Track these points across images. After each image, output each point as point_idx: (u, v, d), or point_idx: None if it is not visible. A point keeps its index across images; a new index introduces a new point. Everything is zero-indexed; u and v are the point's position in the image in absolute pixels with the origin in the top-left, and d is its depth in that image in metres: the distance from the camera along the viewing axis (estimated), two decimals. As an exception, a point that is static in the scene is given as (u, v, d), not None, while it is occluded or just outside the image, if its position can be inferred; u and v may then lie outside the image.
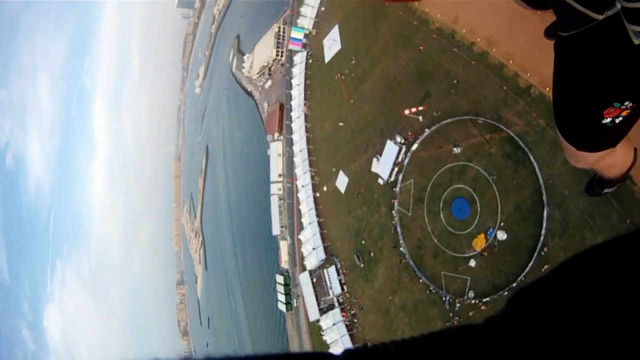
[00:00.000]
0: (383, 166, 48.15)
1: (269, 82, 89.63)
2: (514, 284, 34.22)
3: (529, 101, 33.90)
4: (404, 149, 45.76)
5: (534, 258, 32.73)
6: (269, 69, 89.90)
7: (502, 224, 35.65)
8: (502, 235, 35.53)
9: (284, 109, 76.65)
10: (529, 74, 34.23)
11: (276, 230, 76.67)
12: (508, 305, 1.46)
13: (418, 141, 44.04)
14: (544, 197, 32.43)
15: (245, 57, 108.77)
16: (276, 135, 79.19)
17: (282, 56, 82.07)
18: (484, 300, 36.10)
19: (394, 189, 46.90)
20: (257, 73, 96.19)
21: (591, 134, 2.79)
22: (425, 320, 40.87)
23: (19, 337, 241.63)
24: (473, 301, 36.74)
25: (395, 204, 46.53)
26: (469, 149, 39.14)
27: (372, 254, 49.63)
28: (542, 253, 32.40)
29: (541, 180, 32.81)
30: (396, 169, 46.92)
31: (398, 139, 46.32)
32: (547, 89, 32.76)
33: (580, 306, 1.25)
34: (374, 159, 50.00)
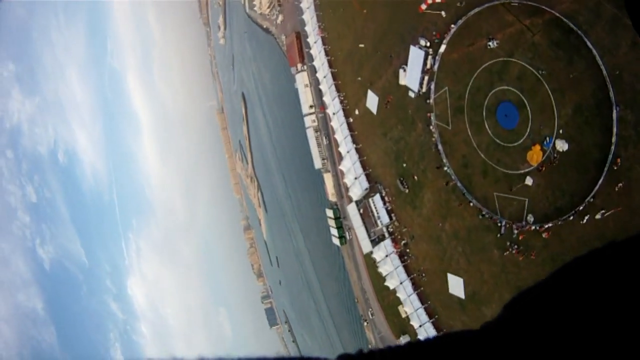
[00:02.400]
0: (411, 76, 42.41)
1: (280, 17, 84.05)
2: (581, 207, 28.57)
3: (573, -35, 27.29)
4: (430, 53, 39.63)
5: (604, 173, 27.03)
6: (278, 0, 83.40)
7: (560, 132, 29.60)
8: (562, 146, 29.65)
9: (300, 37, 70.82)
10: None
11: (318, 163, 73.68)
12: (504, 312, 1.51)
13: (445, 41, 37.65)
14: (611, 94, 26.18)
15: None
16: (299, 66, 73.99)
17: (286, -18, 75.36)
18: (546, 226, 30.95)
19: (428, 101, 41.38)
20: (268, 7, 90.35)
21: None
22: (480, 249, 36.56)
23: (109, 310, 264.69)
24: (533, 227, 31.74)
25: (432, 117, 41.17)
26: (508, 41, 32.60)
27: (415, 178, 45.18)
28: (615, 167, 26.53)
29: (605, 72, 26.43)
30: (426, 78, 41.10)
31: (422, 42, 40.10)
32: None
33: (577, 313, 1.30)
34: (400, 71, 44.26)
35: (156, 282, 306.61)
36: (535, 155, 31.57)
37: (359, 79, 53.63)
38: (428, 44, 39.85)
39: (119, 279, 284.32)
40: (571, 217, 29.55)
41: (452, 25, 36.63)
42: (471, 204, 37.29)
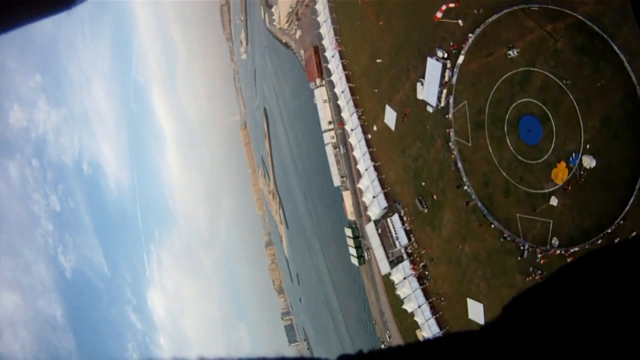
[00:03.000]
0: (429, 90, 40.49)
1: (299, 32, 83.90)
2: (610, 229, 25.96)
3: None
4: (448, 65, 37.69)
5: (635, 192, 24.70)
6: (296, 14, 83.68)
7: (587, 147, 27.21)
8: (589, 162, 27.24)
9: (318, 52, 69.90)
10: None
11: (337, 181, 71.99)
12: (504, 312, 1.48)
13: (463, 51, 35.68)
14: (642, 102, 24.15)
15: (273, 10, 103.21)
16: (318, 81, 72.90)
17: (303, -4, 75.06)
18: (572, 250, 28.39)
19: (447, 116, 39.33)
20: (286, 22, 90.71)
21: None
22: (501, 274, 33.94)
23: (128, 321, 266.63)
24: (558, 251, 29.13)
25: (451, 133, 39.06)
26: (528, 49, 30.48)
27: (435, 197, 42.92)
28: (646, 186, 24.20)
29: (634, 79, 24.28)
30: (445, 91, 39.11)
31: (439, 53, 38.21)
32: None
33: (577, 314, 1.29)
34: (418, 84, 42.37)
35: (176, 295, 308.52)
36: (560, 173, 29.10)
37: (376, 90, 52.07)
38: (445, 55, 37.99)
39: (139, 290, 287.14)
40: (599, 241, 26.91)
41: (470, 35, 34.72)
42: (492, 226, 34.83)
